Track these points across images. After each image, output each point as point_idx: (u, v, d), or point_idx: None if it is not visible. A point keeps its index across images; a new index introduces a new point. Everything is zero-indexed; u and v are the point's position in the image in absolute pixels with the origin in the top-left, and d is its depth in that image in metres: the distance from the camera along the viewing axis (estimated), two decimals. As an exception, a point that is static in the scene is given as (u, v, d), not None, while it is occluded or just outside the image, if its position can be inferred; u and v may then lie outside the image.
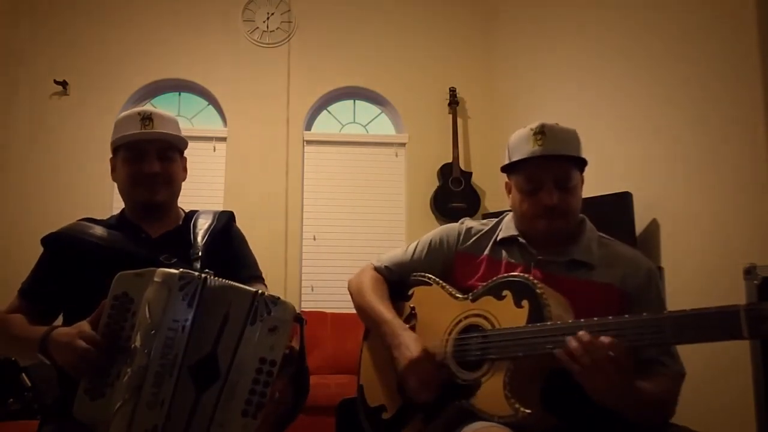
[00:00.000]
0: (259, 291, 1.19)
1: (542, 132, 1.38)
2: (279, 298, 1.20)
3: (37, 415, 2.64)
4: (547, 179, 1.38)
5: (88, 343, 1.15)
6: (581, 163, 1.43)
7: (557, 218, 1.39)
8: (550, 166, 1.39)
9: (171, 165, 1.54)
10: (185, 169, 1.63)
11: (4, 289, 1.54)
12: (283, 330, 1.18)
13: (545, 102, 3.81)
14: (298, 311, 1.24)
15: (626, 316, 1.15)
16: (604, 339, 1.11)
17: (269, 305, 1.18)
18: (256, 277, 1.59)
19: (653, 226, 2.77)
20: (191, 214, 1.63)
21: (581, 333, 1.14)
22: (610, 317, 1.16)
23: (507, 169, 1.46)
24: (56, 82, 4.13)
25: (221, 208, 1.70)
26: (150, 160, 1.50)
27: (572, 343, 1.13)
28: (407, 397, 1.43)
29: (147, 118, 1.50)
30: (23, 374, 2.79)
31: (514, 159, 1.42)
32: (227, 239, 1.61)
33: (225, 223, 1.62)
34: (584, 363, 1.12)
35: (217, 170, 4.23)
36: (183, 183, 1.63)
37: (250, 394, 1.14)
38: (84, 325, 1.19)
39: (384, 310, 1.48)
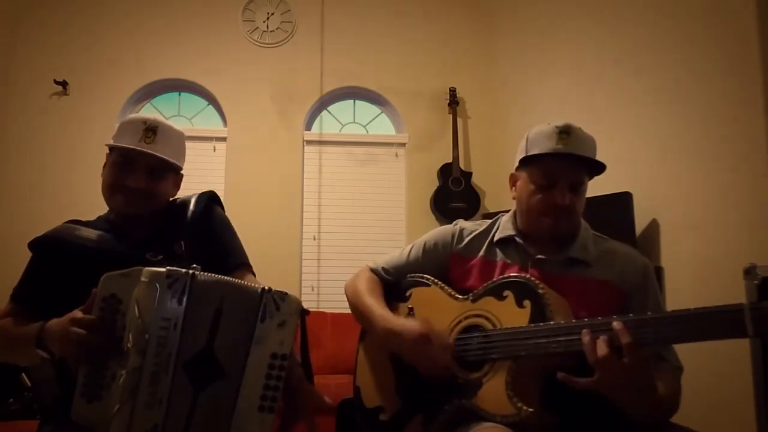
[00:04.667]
0: (266, 288, 1.20)
1: (567, 132, 1.38)
2: (286, 293, 1.21)
3: (37, 415, 2.64)
4: (563, 178, 1.38)
5: (82, 326, 1.14)
6: (594, 170, 1.42)
7: (564, 218, 1.40)
8: (569, 166, 1.39)
9: (159, 183, 1.50)
10: (177, 186, 1.59)
11: (4, 289, 1.53)
12: (291, 324, 1.20)
13: (545, 102, 3.81)
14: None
15: (630, 315, 1.14)
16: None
17: (278, 301, 1.20)
18: (243, 264, 1.55)
19: (653, 226, 2.76)
20: (173, 203, 1.58)
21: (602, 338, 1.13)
22: (614, 317, 1.15)
23: (525, 160, 1.45)
24: (56, 82, 4.13)
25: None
26: (137, 174, 1.46)
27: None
28: (406, 398, 1.43)
29: (151, 130, 1.46)
30: (23, 374, 2.79)
31: (534, 152, 1.41)
32: (208, 224, 1.56)
33: (204, 207, 1.57)
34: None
35: (217, 170, 4.23)
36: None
37: (265, 389, 1.16)
38: (76, 313, 1.18)
39: (377, 306, 1.47)
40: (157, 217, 1.54)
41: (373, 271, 1.62)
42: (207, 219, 1.57)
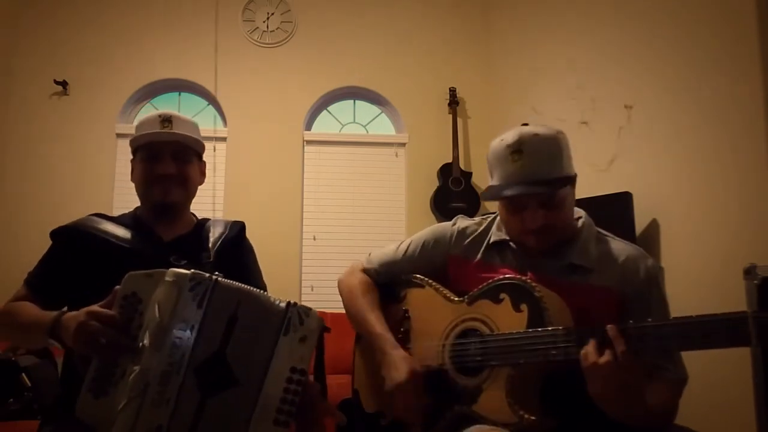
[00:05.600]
0: (292, 302, 1.21)
1: (519, 150, 1.27)
2: (310, 309, 1.22)
3: (37, 415, 2.64)
4: (530, 201, 1.31)
5: (100, 321, 1.14)
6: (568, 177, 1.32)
7: (546, 235, 1.33)
8: (531, 189, 1.29)
9: (186, 166, 1.57)
10: (203, 173, 1.66)
11: (6, 286, 1.53)
12: (312, 340, 1.21)
13: (545, 102, 3.81)
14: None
15: (630, 322, 1.11)
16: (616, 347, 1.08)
17: (302, 316, 1.20)
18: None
19: (653, 226, 2.77)
20: (203, 221, 1.65)
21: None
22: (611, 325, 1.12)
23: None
24: (56, 82, 4.13)
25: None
26: (165, 161, 1.53)
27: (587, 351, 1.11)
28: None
29: (167, 120, 1.54)
30: (23, 374, 2.79)
31: (494, 180, 1.35)
32: (238, 249, 1.63)
33: (237, 233, 1.64)
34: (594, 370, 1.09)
35: (217, 170, 4.22)
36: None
37: (281, 403, 1.16)
38: (94, 307, 1.18)
39: (375, 321, 1.45)
40: (185, 224, 1.60)
41: (366, 272, 1.59)
42: (238, 245, 1.64)
